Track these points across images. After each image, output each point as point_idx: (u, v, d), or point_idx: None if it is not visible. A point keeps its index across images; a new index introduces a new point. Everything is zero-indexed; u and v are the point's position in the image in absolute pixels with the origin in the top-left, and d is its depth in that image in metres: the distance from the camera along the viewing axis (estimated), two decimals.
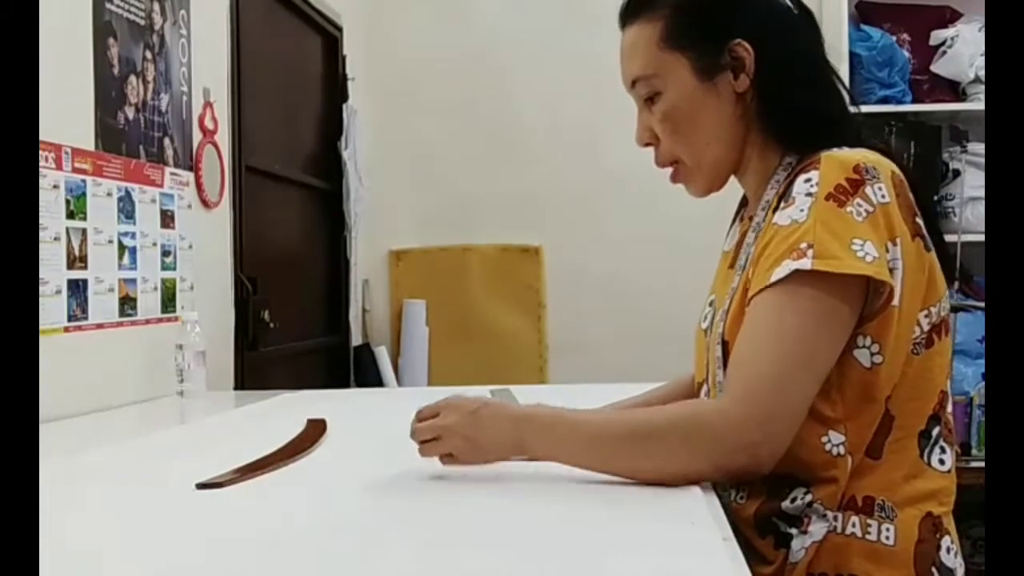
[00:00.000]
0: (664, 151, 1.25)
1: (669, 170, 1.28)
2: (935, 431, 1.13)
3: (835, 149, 1.12)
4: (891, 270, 1.07)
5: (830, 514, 1.09)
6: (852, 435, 1.09)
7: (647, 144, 1.27)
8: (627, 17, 1.25)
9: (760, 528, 1.12)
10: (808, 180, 1.09)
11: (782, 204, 1.12)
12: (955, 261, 3.20)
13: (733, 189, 1.31)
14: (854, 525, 1.09)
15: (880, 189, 1.08)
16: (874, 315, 1.08)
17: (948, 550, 1.11)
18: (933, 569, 1.09)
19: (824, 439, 1.08)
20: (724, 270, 1.28)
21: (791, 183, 1.12)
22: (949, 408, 1.15)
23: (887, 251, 1.07)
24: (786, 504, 1.10)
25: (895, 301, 1.08)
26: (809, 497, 1.09)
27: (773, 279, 1.06)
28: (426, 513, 1.08)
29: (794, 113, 1.18)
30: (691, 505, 1.05)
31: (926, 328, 1.12)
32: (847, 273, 1.04)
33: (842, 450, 1.08)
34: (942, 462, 1.13)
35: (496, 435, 1.13)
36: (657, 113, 1.23)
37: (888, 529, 1.08)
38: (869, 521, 1.09)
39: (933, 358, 1.12)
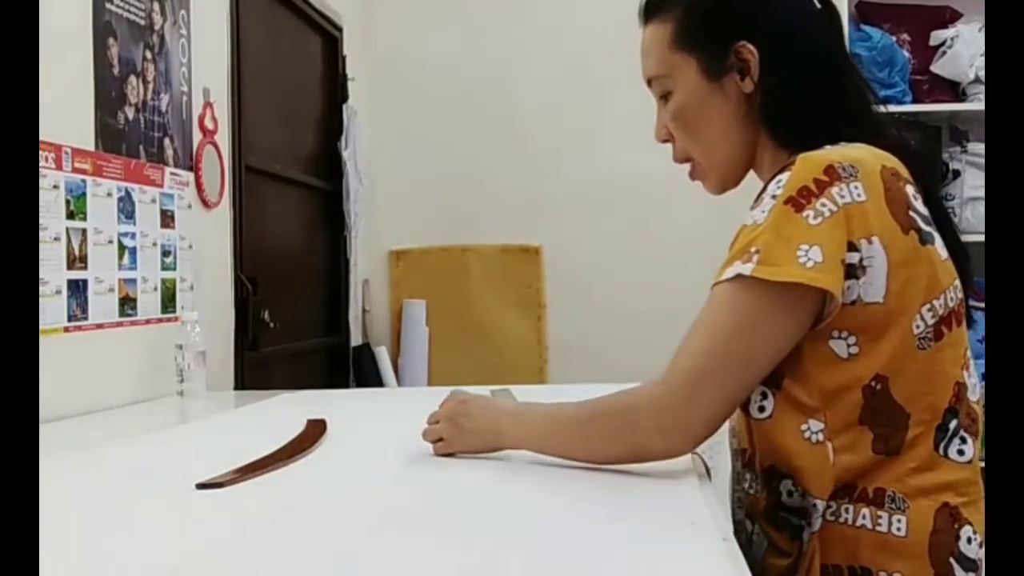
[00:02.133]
0: (679, 148, 1.29)
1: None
2: (952, 424, 1.11)
3: (828, 147, 1.12)
4: (864, 268, 1.07)
5: (820, 503, 1.09)
6: (831, 422, 1.09)
7: (664, 140, 1.30)
8: (644, 17, 1.29)
9: (774, 521, 1.14)
10: (778, 181, 1.11)
11: (755, 202, 1.14)
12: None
13: (741, 189, 1.32)
14: (864, 517, 1.09)
15: (855, 188, 1.08)
16: (831, 314, 1.07)
17: (969, 541, 1.09)
18: (951, 560, 1.08)
19: (804, 427, 1.09)
20: None
21: (768, 182, 1.14)
22: (975, 397, 1.14)
23: (855, 250, 1.07)
24: (785, 498, 1.12)
25: (876, 297, 1.07)
26: (800, 488, 1.10)
27: (721, 278, 1.10)
28: (426, 512, 1.08)
29: (799, 115, 1.19)
30: (691, 505, 1.05)
31: (931, 321, 1.10)
32: (782, 281, 1.05)
33: (820, 437, 1.09)
34: (961, 452, 1.12)
35: (478, 423, 1.27)
36: (668, 112, 1.26)
37: (899, 520, 1.08)
38: (879, 512, 1.09)
39: (943, 351, 1.11)
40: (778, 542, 1.14)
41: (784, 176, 1.10)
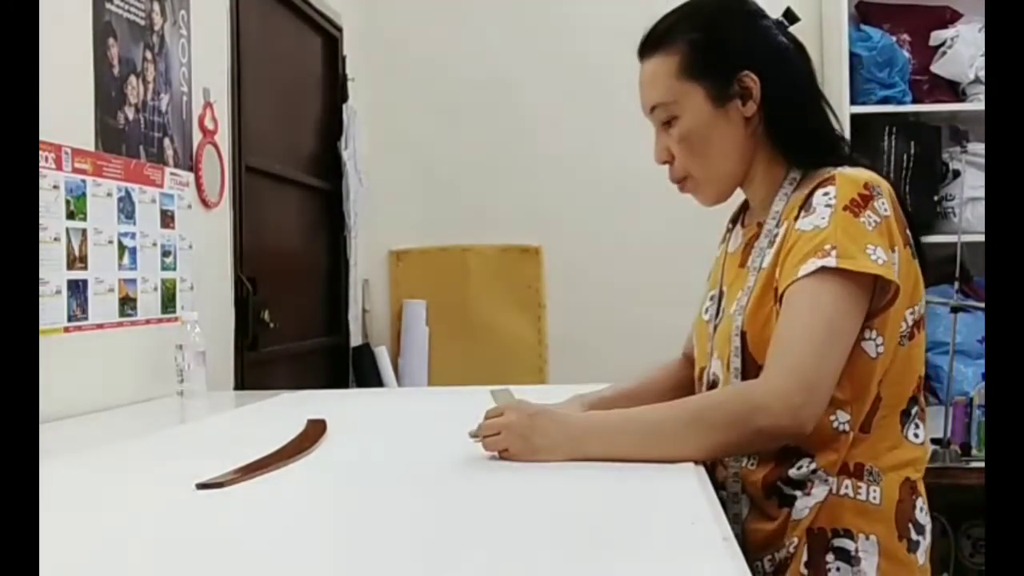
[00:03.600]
0: (679, 168, 1.41)
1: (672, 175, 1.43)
2: (913, 410, 1.31)
3: (843, 168, 1.29)
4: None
5: (830, 479, 1.26)
6: (854, 415, 1.26)
7: (664, 162, 1.42)
8: (646, 50, 1.40)
9: (766, 491, 1.29)
10: (827, 194, 1.26)
11: (803, 214, 1.28)
12: (955, 261, 3.20)
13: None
14: (847, 487, 1.26)
15: (883, 204, 1.26)
16: (879, 311, 1.25)
17: (921, 509, 1.30)
18: (909, 524, 1.28)
19: (832, 418, 1.25)
20: (734, 269, 1.41)
21: (810, 195, 1.28)
22: (922, 390, 1.33)
23: (891, 256, 1.23)
24: (792, 471, 1.27)
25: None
26: (813, 465, 1.26)
27: (801, 274, 1.22)
28: (426, 513, 1.08)
29: (795, 134, 1.35)
30: (691, 505, 1.05)
31: (910, 323, 1.29)
32: (863, 271, 1.21)
33: (846, 427, 1.26)
34: (916, 436, 1.31)
35: (548, 440, 1.26)
36: (674, 136, 1.38)
37: (875, 491, 1.26)
38: (859, 484, 1.26)
39: (915, 349, 1.30)
40: (766, 508, 1.29)
41: (831, 189, 1.26)
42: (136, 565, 0.90)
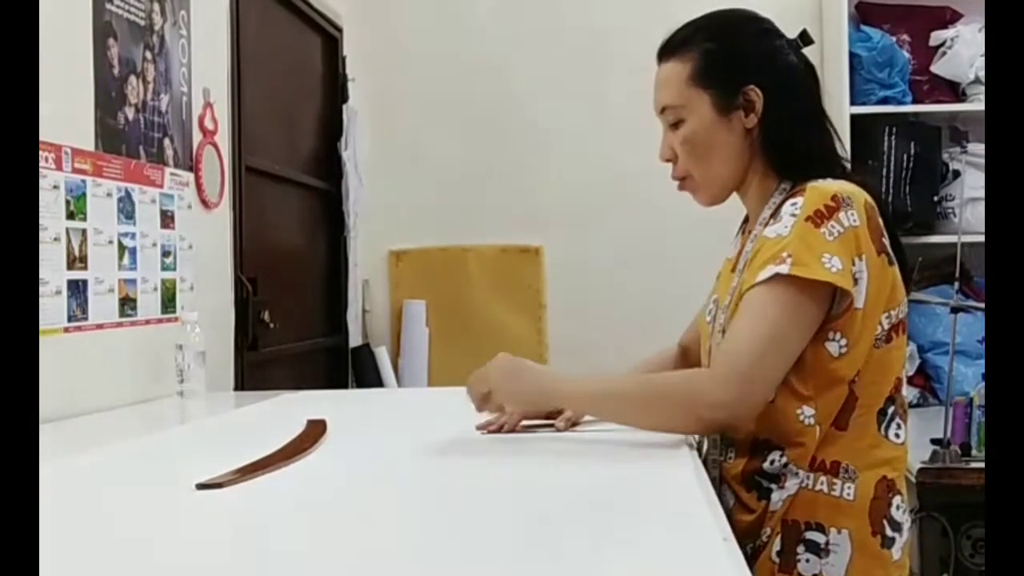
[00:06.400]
0: (680, 167, 1.48)
1: (669, 169, 1.50)
2: (891, 409, 1.37)
3: (819, 181, 1.35)
4: (856, 280, 1.30)
5: (802, 472, 1.32)
6: (821, 409, 1.33)
7: (668, 160, 1.49)
8: (664, 54, 1.48)
9: (746, 483, 1.36)
10: (794, 204, 1.34)
11: (772, 222, 1.37)
12: (955, 261, 3.20)
13: (732, 199, 1.50)
14: (822, 483, 1.33)
15: (852, 215, 1.32)
16: (840, 315, 1.31)
17: (898, 507, 1.35)
18: (884, 521, 1.34)
19: (799, 411, 1.32)
20: (727, 273, 1.49)
21: (781, 205, 1.36)
22: (903, 391, 1.39)
23: (853, 264, 1.30)
24: (766, 465, 1.34)
25: (859, 304, 1.31)
26: (785, 459, 1.33)
27: (759, 279, 1.30)
28: (425, 513, 1.08)
29: (790, 149, 1.42)
30: (691, 505, 1.05)
31: (886, 327, 1.35)
32: (815, 279, 1.27)
33: (812, 421, 1.32)
34: (897, 435, 1.37)
35: (531, 380, 1.44)
36: (679, 137, 1.46)
37: (849, 487, 1.33)
38: (835, 480, 1.33)
39: (892, 351, 1.36)
40: (747, 501, 1.36)
41: (799, 200, 1.33)
42: (136, 565, 0.90)
